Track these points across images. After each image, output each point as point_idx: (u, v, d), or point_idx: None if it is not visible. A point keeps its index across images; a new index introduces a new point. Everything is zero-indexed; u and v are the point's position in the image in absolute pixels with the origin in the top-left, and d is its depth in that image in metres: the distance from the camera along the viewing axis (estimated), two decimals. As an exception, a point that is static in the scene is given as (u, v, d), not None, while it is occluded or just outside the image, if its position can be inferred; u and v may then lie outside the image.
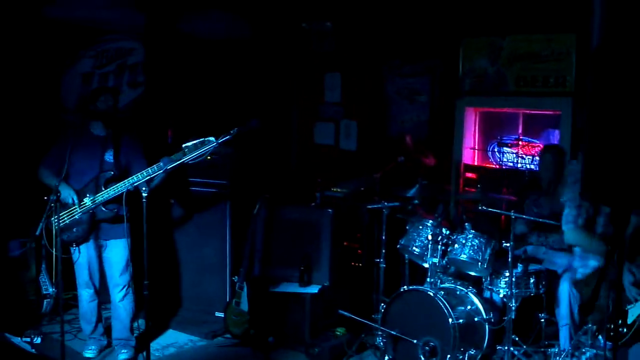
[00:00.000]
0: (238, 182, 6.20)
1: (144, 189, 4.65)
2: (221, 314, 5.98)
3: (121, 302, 5.38)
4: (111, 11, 6.97)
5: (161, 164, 4.75)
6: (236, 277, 5.89)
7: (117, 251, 5.26)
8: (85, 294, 5.38)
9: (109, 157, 5.16)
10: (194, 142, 4.66)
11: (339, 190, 6.85)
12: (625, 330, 3.19)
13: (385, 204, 5.69)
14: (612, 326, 3.98)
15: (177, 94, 7.46)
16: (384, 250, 5.74)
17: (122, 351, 5.42)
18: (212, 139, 4.69)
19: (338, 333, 5.75)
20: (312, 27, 8.33)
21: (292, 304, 5.84)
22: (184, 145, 4.69)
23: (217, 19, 7.72)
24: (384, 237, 5.72)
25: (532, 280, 5.27)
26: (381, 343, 5.40)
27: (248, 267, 5.87)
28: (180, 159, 4.69)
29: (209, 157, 5.07)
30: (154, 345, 5.72)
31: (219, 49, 7.80)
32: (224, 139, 4.70)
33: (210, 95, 7.68)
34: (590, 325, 5.24)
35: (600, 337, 5.14)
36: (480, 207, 5.30)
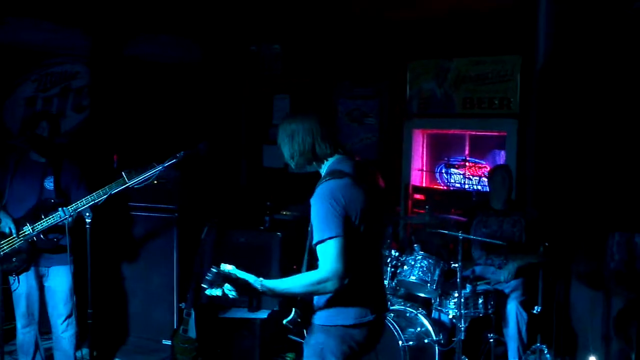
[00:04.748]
0: (186, 206, 6.10)
1: (87, 214, 4.54)
2: (168, 342, 5.83)
3: (64, 333, 5.16)
4: (56, 35, 6.83)
5: (106, 189, 4.63)
6: (183, 303, 5.77)
7: (59, 279, 5.07)
8: (22, 325, 5.16)
9: (48, 184, 4.99)
10: (137, 168, 4.55)
11: (288, 213, 6.80)
12: None
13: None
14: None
15: (124, 118, 7.34)
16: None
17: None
18: (154, 164, 4.58)
19: (288, 358, 5.68)
20: (261, 50, 8.32)
21: (242, 330, 5.75)
22: (123, 172, 4.57)
23: (166, 43, 7.65)
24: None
25: (480, 301, 5.28)
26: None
27: (196, 292, 5.76)
28: (124, 185, 4.57)
29: (155, 182, 4.95)
30: (100, 375, 5.57)
31: (167, 72, 7.71)
32: (169, 162, 4.58)
33: (158, 118, 7.57)
34: (538, 345, 5.29)
35: (547, 355, 5.19)
36: (427, 230, 5.32)
